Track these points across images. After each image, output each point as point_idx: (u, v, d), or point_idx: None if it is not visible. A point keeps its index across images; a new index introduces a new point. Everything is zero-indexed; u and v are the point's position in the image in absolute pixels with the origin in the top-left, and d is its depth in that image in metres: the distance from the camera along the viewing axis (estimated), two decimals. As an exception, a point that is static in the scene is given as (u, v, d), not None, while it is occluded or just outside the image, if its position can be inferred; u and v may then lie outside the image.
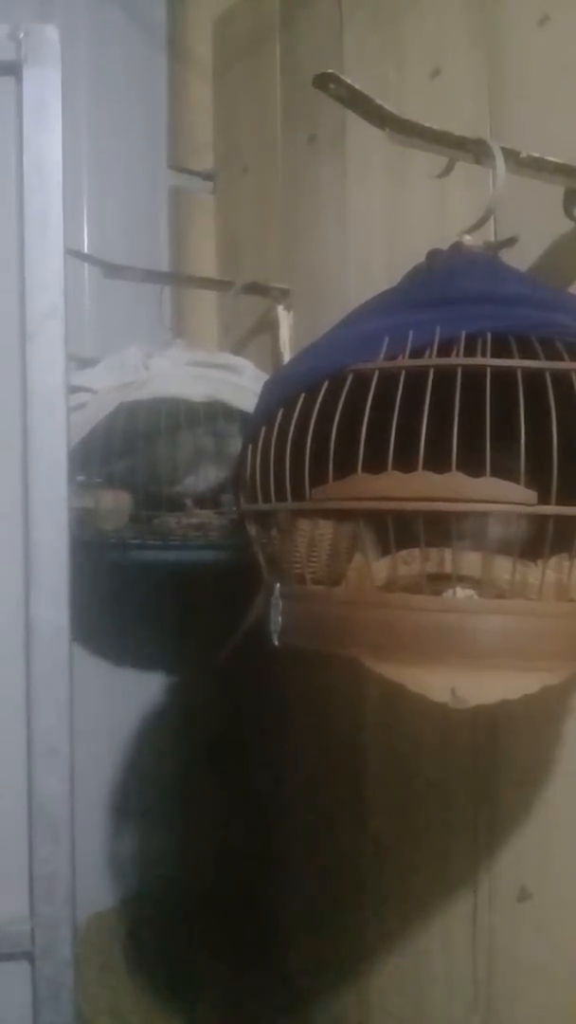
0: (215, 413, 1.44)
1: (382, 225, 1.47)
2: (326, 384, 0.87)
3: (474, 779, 1.30)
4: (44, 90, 1.11)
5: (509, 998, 1.27)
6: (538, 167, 1.03)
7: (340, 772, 1.55)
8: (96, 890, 1.75)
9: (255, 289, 1.67)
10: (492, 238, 1.21)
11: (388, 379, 0.83)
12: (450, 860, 1.34)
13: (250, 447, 0.93)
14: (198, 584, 1.73)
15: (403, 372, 0.81)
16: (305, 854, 1.67)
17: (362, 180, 1.51)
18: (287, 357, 1.64)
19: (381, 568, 0.86)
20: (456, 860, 1.33)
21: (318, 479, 0.85)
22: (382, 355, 0.83)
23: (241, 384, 1.47)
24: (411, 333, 0.82)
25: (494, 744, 1.27)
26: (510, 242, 1.21)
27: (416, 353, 0.82)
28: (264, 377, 1.52)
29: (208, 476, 1.48)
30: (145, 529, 1.45)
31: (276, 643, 0.90)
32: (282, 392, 0.91)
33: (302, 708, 1.65)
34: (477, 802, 1.30)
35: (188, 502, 1.48)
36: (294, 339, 1.65)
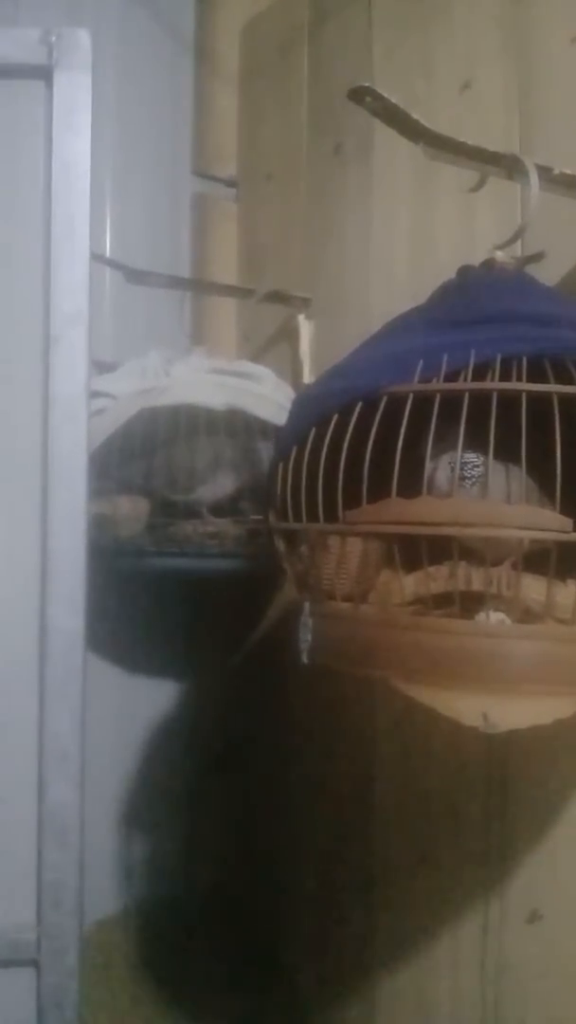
0: (234, 421, 1.43)
1: (407, 237, 1.46)
2: (360, 405, 0.86)
3: (486, 798, 1.29)
4: (75, 94, 1.11)
5: (517, 1020, 1.25)
6: (570, 184, 1.03)
7: (350, 787, 1.54)
8: (100, 897, 1.74)
9: (276, 297, 1.66)
10: (519, 252, 1.20)
11: (422, 401, 0.82)
12: (460, 880, 1.33)
13: (281, 465, 0.92)
14: (213, 592, 1.72)
15: (438, 395, 0.81)
16: (313, 868, 1.66)
17: (388, 191, 1.51)
18: (307, 366, 1.64)
19: (409, 584, 0.85)
20: (466, 880, 1.32)
21: (349, 499, 0.84)
22: (416, 377, 0.83)
23: (261, 393, 1.46)
24: (445, 356, 0.82)
25: (507, 764, 1.26)
26: (537, 257, 1.20)
27: (451, 375, 0.82)
28: (284, 386, 1.52)
29: (226, 484, 1.47)
30: (161, 536, 1.44)
31: (305, 661, 0.89)
32: (315, 411, 0.91)
33: (313, 721, 1.64)
34: (489, 822, 1.29)
35: (205, 510, 1.48)
36: (314, 349, 1.65)
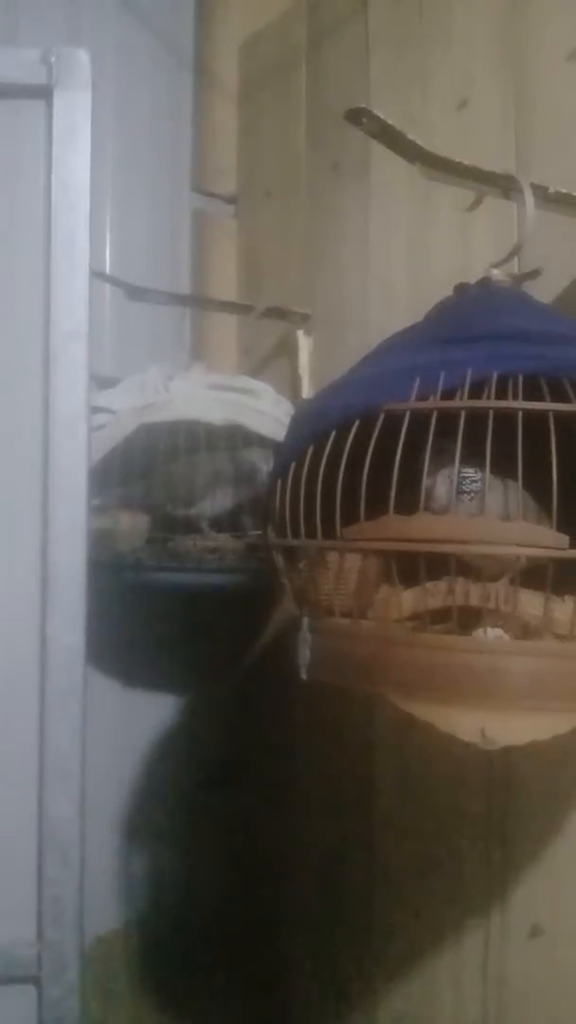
0: (234, 436, 1.44)
1: (404, 253, 1.47)
2: (357, 422, 0.86)
3: (488, 813, 1.29)
4: (74, 114, 1.12)
5: (518, 1035, 1.25)
6: (566, 202, 1.03)
7: (351, 801, 1.54)
8: (101, 913, 1.74)
9: (275, 313, 1.67)
10: (516, 270, 1.21)
11: (419, 418, 0.83)
12: (462, 895, 1.33)
13: (279, 481, 0.93)
14: (212, 607, 1.72)
15: (435, 413, 0.81)
16: (314, 882, 1.65)
17: (385, 208, 1.52)
18: (305, 382, 1.64)
19: (407, 599, 0.86)
20: (468, 895, 1.32)
21: (347, 515, 0.84)
22: (414, 395, 0.83)
23: (260, 408, 1.47)
24: (442, 374, 0.82)
25: (508, 779, 1.26)
26: (534, 274, 1.21)
27: (448, 393, 0.82)
28: (283, 401, 1.52)
29: (225, 499, 1.48)
30: (161, 551, 1.45)
31: (304, 677, 0.90)
32: (313, 428, 0.91)
33: (314, 735, 1.64)
34: (490, 836, 1.29)
35: (204, 525, 1.48)
36: (313, 364, 1.66)
